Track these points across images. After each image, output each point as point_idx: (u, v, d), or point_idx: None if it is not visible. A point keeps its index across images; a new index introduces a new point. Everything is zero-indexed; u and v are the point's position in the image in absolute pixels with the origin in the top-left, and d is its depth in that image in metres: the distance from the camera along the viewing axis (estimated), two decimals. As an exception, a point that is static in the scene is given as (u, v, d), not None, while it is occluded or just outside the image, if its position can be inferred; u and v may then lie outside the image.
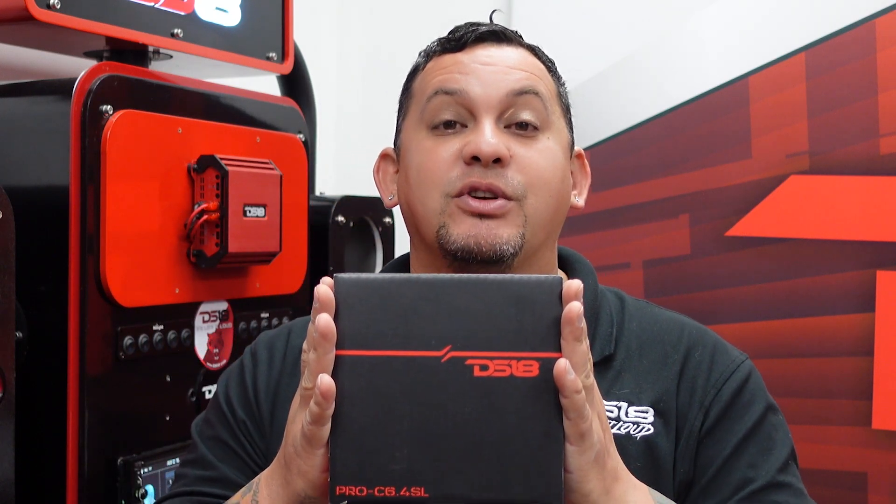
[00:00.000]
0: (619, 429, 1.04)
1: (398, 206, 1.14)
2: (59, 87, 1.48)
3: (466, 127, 1.06)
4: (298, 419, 0.84)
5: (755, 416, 1.04)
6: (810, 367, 2.10)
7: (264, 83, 2.05)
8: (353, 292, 0.82)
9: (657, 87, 2.31)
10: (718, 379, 1.06)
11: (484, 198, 1.03)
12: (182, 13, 1.65)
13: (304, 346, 0.84)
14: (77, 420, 1.43)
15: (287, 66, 1.87)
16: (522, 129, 1.06)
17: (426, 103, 1.08)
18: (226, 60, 1.74)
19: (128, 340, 1.49)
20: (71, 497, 1.43)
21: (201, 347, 1.63)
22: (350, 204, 2.01)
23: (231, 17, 1.75)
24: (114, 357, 1.48)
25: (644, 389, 1.06)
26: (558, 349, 0.81)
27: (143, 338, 1.51)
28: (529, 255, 1.07)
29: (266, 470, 0.94)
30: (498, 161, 1.03)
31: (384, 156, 1.17)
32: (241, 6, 1.76)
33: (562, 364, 0.79)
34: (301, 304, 1.83)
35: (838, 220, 2.08)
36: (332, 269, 1.96)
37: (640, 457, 1.02)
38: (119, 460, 1.47)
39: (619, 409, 1.05)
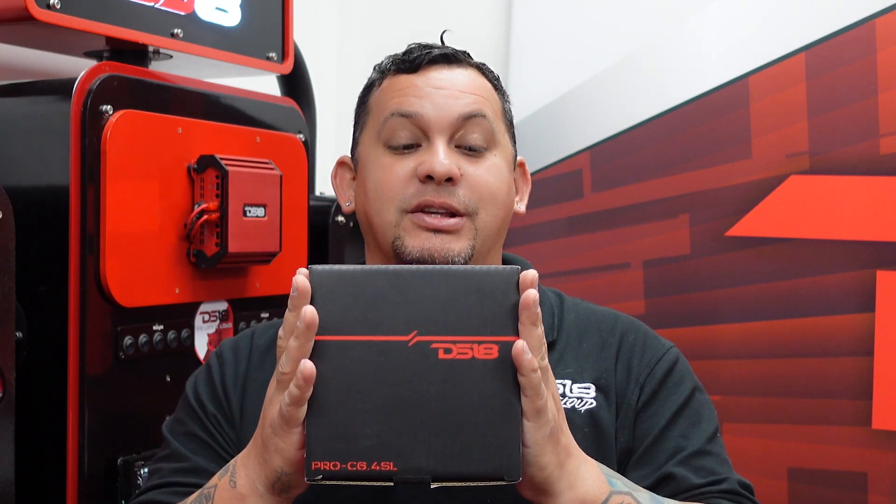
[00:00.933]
0: (565, 403, 1.14)
1: (355, 212, 1.25)
2: (59, 87, 1.48)
3: (420, 146, 1.16)
4: (276, 401, 0.91)
5: (685, 393, 1.17)
6: (810, 367, 2.10)
7: (264, 83, 2.05)
8: (328, 282, 0.91)
9: (657, 87, 2.30)
10: (651, 359, 1.18)
11: (437, 213, 1.14)
12: (182, 13, 1.65)
13: (281, 333, 0.92)
14: (77, 420, 1.43)
15: (287, 66, 1.87)
16: (471, 150, 1.17)
17: (384, 123, 1.18)
18: (226, 60, 1.74)
19: (128, 340, 1.49)
20: (71, 497, 1.43)
21: (201, 347, 1.63)
22: (350, 204, 2.01)
23: (231, 17, 1.75)
24: (114, 357, 1.48)
25: (585, 369, 1.18)
26: (516, 333, 0.89)
27: (143, 338, 1.51)
28: (478, 261, 1.17)
29: (241, 452, 1.00)
30: (450, 180, 1.13)
31: (341, 163, 1.28)
32: (241, 6, 1.76)
33: (519, 345, 0.88)
34: (301, 304, 1.83)
35: (838, 220, 2.08)
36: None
37: (586, 426, 1.13)
38: (119, 460, 1.47)
39: (564, 385, 1.16)
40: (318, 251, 1.93)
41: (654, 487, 1.09)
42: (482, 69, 1.24)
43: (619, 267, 2.35)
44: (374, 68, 1.25)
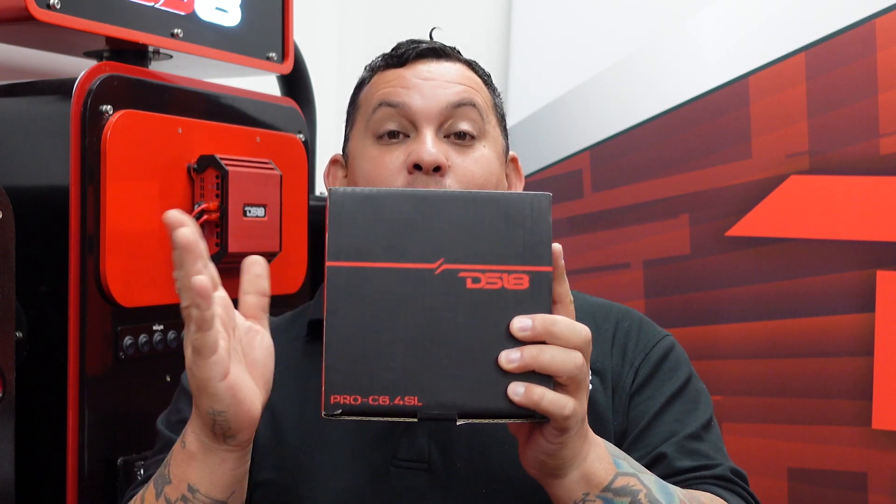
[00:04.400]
0: None
1: None
2: (59, 87, 1.48)
3: (409, 137, 1.15)
4: (187, 341, 0.84)
5: (681, 379, 1.16)
6: (810, 367, 2.10)
7: (264, 83, 2.05)
8: (347, 205, 0.84)
9: (657, 87, 2.30)
10: (647, 344, 1.17)
11: None
12: (182, 13, 1.65)
13: (174, 273, 0.84)
14: (77, 420, 1.43)
15: (287, 66, 1.87)
16: (461, 138, 1.15)
17: (371, 114, 1.17)
18: (226, 60, 1.74)
19: (128, 340, 1.49)
20: (71, 497, 1.43)
21: (201, 347, 1.63)
22: (350, 204, 2.01)
23: (231, 17, 1.75)
24: (114, 357, 1.48)
25: None
26: (549, 263, 0.84)
27: (143, 338, 1.51)
28: None
29: None
30: (438, 169, 1.11)
31: (334, 161, 1.27)
32: (241, 6, 1.76)
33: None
34: (301, 303, 1.83)
35: (838, 220, 2.08)
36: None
37: None
38: (119, 460, 1.47)
39: None
40: (318, 251, 1.93)
41: (646, 469, 1.08)
42: (472, 64, 1.23)
43: (619, 267, 2.35)
44: (365, 68, 1.25)
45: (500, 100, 1.26)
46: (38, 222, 1.44)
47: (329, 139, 2.60)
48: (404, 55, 1.19)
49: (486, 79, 1.24)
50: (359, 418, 0.83)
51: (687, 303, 2.24)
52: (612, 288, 2.34)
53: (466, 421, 0.83)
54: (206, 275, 0.83)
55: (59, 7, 1.43)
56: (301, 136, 1.85)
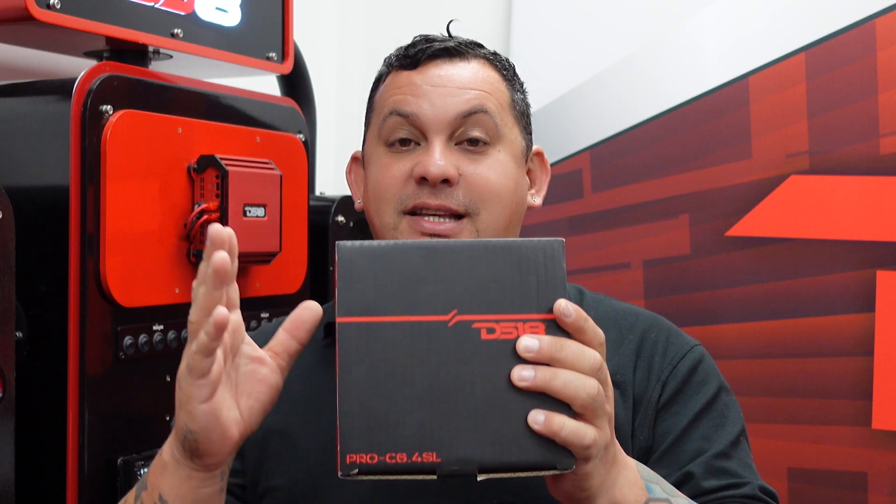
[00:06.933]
0: None
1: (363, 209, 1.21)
2: (59, 87, 1.48)
3: (420, 145, 1.13)
4: (185, 355, 0.84)
5: (709, 393, 1.11)
6: (810, 367, 2.10)
7: (264, 83, 2.05)
8: (356, 259, 0.83)
9: (657, 87, 2.30)
10: (675, 357, 1.13)
11: (436, 215, 1.10)
12: (182, 13, 1.65)
13: (194, 284, 0.84)
14: (77, 420, 1.43)
15: (287, 66, 1.87)
16: (473, 144, 1.13)
17: (383, 122, 1.15)
18: (226, 60, 1.74)
19: (128, 340, 1.49)
20: (71, 497, 1.43)
21: (201, 347, 1.63)
22: (350, 204, 2.01)
23: (231, 17, 1.75)
24: (114, 357, 1.48)
25: None
26: None
27: (143, 338, 1.51)
28: None
29: None
30: (446, 181, 1.10)
31: (355, 159, 1.25)
32: (241, 6, 1.76)
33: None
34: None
35: (838, 220, 2.08)
36: (331, 269, 1.96)
37: None
38: (119, 460, 1.47)
39: None
40: (318, 251, 1.93)
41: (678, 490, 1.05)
42: (490, 59, 1.19)
43: (619, 267, 2.35)
44: (384, 61, 1.21)
45: (520, 95, 1.22)
46: (38, 222, 1.43)
47: (329, 139, 2.60)
48: (416, 56, 1.16)
49: (505, 73, 1.20)
50: (376, 477, 0.81)
51: (687, 303, 2.24)
52: (612, 288, 2.34)
53: (488, 476, 0.81)
54: (223, 304, 0.82)
55: (59, 7, 1.43)
56: (301, 136, 1.85)
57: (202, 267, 0.82)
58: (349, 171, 1.25)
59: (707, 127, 2.24)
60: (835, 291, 2.08)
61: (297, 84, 2.09)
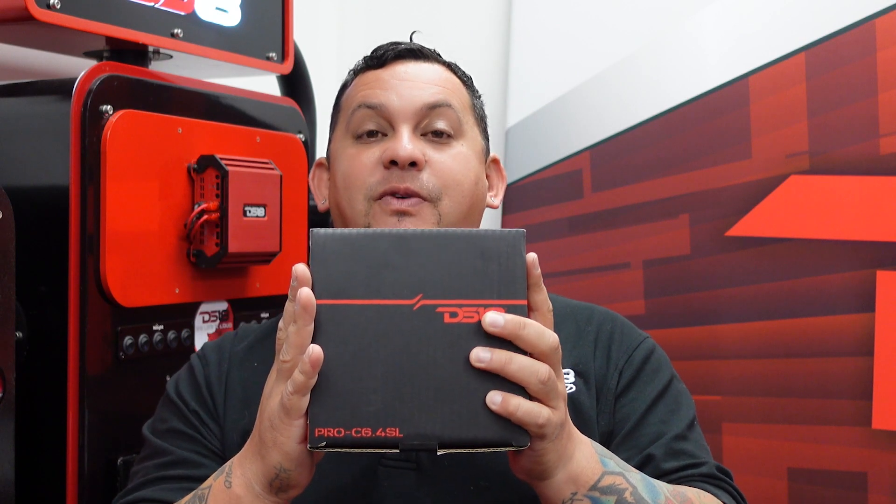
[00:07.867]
0: None
1: (329, 210, 1.26)
2: (59, 87, 1.48)
3: (387, 136, 1.18)
4: (276, 393, 0.88)
5: (664, 380, 1.18)
6: (810, 367, 2.10)
7: (264, 83, 2.05)
8: (329, 245, 0.89)
9: (657, 87, 2.30)
10: (629, 346, 1.19)
11: (402, 197, 1.15)
12: (182, 13, 1.65)
13: (281, 324, 0.89)
14: (77, 420, 1.43)
15: (287, 66, 1.87)
16: (437, 136, 1.18)
17: (351, 116, 1.20)
18: (226, 60, 1.74)
19: (128, 340, 1.49)
20: (71, 497, 1.43)
21: (201, 347, 1.63)
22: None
23: (231, 17, 1.75)
24: (114, 357, 1.48)
25: (563, 356, 1.17)
26: (523, 296, 0.88)
27: (143, 338, 1.51)
28: None
29: (239, 452, 0.98)
30: (414, 165, 1.15)
31: (319, 164, 1.30)
32: (241, 6, 1.76)
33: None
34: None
35: (838, 220, 2.08)
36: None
37: (568, 410, 1.12)
38: (119, 460, 1.47)
39: None
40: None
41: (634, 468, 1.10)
42: (451, 66, 1.26)
43: (619, 267, 2.35)
44: (348, 71, 1.28)
45: (479, 102, 1.28)
46: (38, 222, 1.43)
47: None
48: (383, 56, 1.22)
49: (465, 80, 1.26)
50: (342, 450, 0.86)
51: (687, 303, 2.24)
52: (612, 288, 2.34)
53: (447, 451, 0.86)
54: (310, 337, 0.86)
55: (59, 7, 1.43)
56: (301, 136, 1.85)
57: (288, 307, 0.88)
58: (312, 177, 1.30)
59: (707, 127, 2.24)
60: (835, 291, 2.08)
61: (297, 84, 2.09)
